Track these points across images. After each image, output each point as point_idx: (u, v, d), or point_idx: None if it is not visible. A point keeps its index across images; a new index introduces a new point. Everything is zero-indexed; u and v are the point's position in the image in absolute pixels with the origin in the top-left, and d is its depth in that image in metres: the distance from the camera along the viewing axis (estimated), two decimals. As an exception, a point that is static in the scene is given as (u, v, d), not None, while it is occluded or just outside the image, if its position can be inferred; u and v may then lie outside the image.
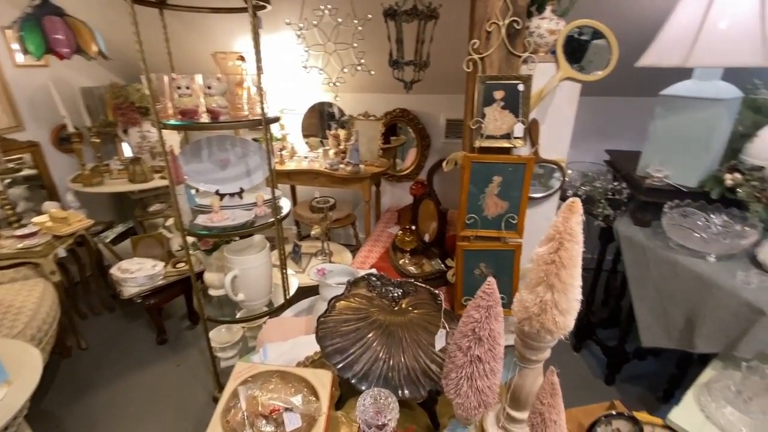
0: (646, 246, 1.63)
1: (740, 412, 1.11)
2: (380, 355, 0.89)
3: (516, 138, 1.45)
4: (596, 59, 1.42)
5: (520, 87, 1.42)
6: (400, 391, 0.85)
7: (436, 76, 2.04)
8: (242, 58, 1.52)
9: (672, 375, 1.84)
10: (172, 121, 1.39)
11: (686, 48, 1.37)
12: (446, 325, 0.83)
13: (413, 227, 2.17)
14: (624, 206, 1.85)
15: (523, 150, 1.51)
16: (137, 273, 2.11)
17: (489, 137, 1.45)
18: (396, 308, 0.90)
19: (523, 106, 1.43)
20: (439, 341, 0.84)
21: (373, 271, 1.69)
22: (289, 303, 1.73)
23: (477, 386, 0.68)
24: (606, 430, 1.11)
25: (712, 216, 1.49)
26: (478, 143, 1.45)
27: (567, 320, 0.66)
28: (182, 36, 2.31)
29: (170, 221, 2.31)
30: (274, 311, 1.73)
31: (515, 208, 1.53)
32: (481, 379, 0.67)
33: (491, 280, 0.64)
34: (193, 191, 1.66)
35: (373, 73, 1.79)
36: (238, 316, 1.77)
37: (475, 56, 1.41)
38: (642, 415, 1.17)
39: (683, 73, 1.56)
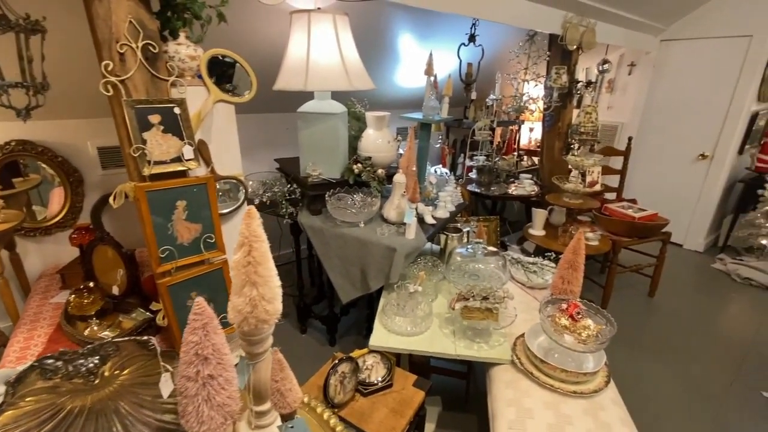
0: (323, 228, 2.07)
1: (402, 316, 1.66)
2: (92, 444, 0.72)
3: (188, 160, 1.45)
4: (241, 83, 1.62)
5: (176, 110, 1.42)
6: (134, 467, 0.73)
7: (67, 98, 1.67)
8: None
9: (368, 314, 2.47)
10: None
11: (302, 77, 1.80)
12: (168, 367, 0.78)
13: (91, 284, 1.75)
14: (300, 202, 2.23)
15: (200, 170, 1.53)
16: None
17: (158, 163, 1.38)
18: (97, 381, 0.75)
19: (185, 128, 1.44)
20: (166, 387, 0.78)
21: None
22: None
23: (217, 403, 0.69)
24: (336, 378, 1.39)
25: (354, 196, 2.07)
26: (147, 171, 1.35)
27: (276, 306, 0.79)
28: None
29: None
30: None
31: (210, 228, 1.54)
32: (219, 395, 0.70)
33: (199, 299, 0.67)
34: None
35: (-52, 98, 1.25)
36: None
37: (113, 79, 1.28)
38: (355, 353, 1.54)
39: (309, 94, 2.03)
